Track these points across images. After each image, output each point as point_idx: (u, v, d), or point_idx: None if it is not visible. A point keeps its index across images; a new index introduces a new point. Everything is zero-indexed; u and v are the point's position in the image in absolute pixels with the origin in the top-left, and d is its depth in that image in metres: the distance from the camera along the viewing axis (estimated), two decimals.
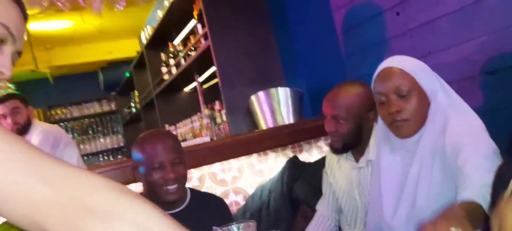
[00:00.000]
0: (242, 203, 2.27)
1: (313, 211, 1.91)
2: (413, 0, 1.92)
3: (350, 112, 1.61)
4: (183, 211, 1.55)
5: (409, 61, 1.36)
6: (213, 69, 3.04)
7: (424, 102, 1.30)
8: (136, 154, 1.52)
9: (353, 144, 1.66)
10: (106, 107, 6.81)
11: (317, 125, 2.34)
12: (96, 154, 6.56)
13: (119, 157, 6.65)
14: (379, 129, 1.43)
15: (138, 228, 0.50)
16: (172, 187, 1.47)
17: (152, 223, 0.52)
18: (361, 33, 2.23)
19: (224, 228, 1.01)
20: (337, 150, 1.69)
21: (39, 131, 2.68)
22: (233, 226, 1.02)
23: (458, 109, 1.31)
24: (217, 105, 3.09)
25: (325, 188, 1.87)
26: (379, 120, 1.40)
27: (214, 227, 1.03)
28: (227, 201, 1.89)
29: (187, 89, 4.18)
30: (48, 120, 6.20)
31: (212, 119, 3.09)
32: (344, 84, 1.72)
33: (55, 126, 3.34)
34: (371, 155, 1.67)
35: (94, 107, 6.74)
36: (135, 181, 1.60)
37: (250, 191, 2.28)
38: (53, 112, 6.47)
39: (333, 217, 1.84)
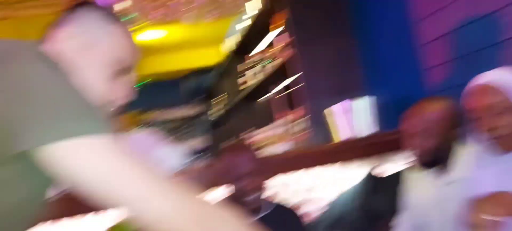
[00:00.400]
0: (316, 214, 2.28)
1: (391, 226, 1.88)
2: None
3: (437, 128, 1.59)
4: (260, 221, 1.62)
5: (504, 76, 1.32)
6: (290, 79, 3.08)
7: None
8: (221, 165, 1.63)
9: (436, 161, 1.62)
10: (192, 111, 7.21)
11: (395, 138, 2.28)
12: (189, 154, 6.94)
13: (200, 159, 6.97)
14: (475, 145, 1.39)
15: None
16: (250, 198, 1.55)
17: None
18: (444, 45, 2.14)
19: None
20: (425, 164, 1.65)
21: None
22: None
23: None
24: (294, 115, 3.13)
25: (403, 205, 1.83)
26: (475, 136, 1.37)
27: None
28: (301, 212, 1.92)
29: (264, 98, 4.28)
30: (140, 123, 6.70)
31: (290, 128, 3.14)
32: (430, 99, 1.70)
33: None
34: (456, 174, 1.61)
35: (181, 111, 7.17)
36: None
37: (325, 202, 2.29)
38: (145, 116, 6.97)
39: None
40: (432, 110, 1.61)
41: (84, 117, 0.58)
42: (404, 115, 1.67)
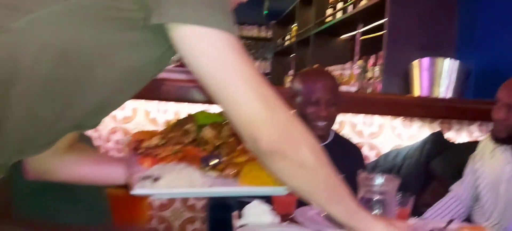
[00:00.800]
0: (373, 159, 2.30)
1: (446, 190, 1.87)
2: None
3: None
4: (323, 148, 1.67)
5: None
6: (378, 22, 2.97)
7: None
8: (297, 85, 1.65)
9: None
10: (263, 34, 7.20)
11: (477, 108, 2.19)
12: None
13: None
14: None
15: (315, 155, 0.72)
16: (321, 124, 1.58)
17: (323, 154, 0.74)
18: None
19: (368, 174, 1.09)
20: (498, 139, 1.60)
21: None
22: (377, 174, 1.09)
23: None
24: (372, 60, 3.06)
25: (467, 173, 1.80)
26: None
27: (359, 171, 1.12)
28: (363, 152, 1.95)
29: (345, 36, 4.17)
30: None
31: (364, 71, 3.09)
32: None
33: None
34: None
35: (253, 31, 7.18)
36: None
37: (385, 150, 2.30)
38: None
39: (467, 203, 1.78)
40: None
41: (219, 11, 0.64)
42: (503, 84, 1.59)
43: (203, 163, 0.82)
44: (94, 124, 0.77)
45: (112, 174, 0.84)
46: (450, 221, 1.42)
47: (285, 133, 0.68)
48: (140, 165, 0.81)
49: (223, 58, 0.64)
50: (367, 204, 1.06)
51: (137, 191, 0.71)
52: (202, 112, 0.92)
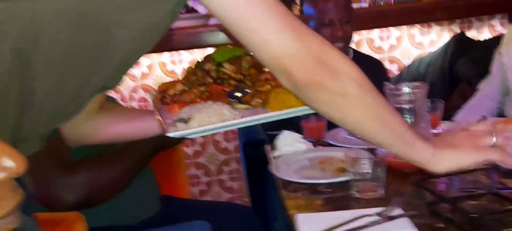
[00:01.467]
0: (396, 72, 2.28)
1: (474, 90, 1.85)
2: None
3: None
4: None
5: None
6: None
7: None
8: (308, 9, 1.62)
9: None
10: None
11: (495, 1, 2.11)
12: None
13: None
14: None
15: (357, 82, 0.66)
16: (339, 45, 1.56)
17: (369, 88, 0.68)
18: None
19: (396, 86, 1.08)
20: None
21: None
22: (404, 84, 1.08)
23: None
24: None
25: (495, 68, 1.77)
26: None
27: (385, 83, 1.11)
28: (385, 66, 1.93)
29: None
30: None
31: None
32: None
33: None
34: None
35: None
36: None
37: (407, 62, 2.26)
38: None
39: (497, 98, 1.76)
40: None
41: None
42: None
43: (229, 97, 0.82)
44: (117, 83, 0.78)
45: (146, 127, 0.85)
46: (483, 118, 1.42)
47: (320, 62, 0.66)
48: (170, 113, 0.82)
49: None
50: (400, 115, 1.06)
51: (171, 133, 0.72)
52: (219, 49, 0.92)
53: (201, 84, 0.87)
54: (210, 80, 0.87)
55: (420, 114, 1.08)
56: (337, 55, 0.68)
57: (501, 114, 1.76)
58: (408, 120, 1.07)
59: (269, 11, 0.63)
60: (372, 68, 1.72)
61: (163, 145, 1.22)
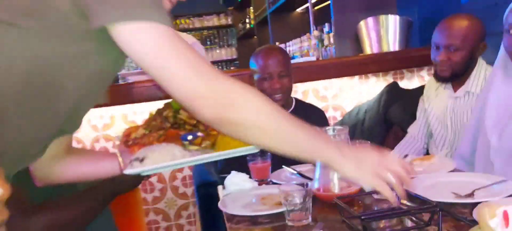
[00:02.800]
0: (339, 118, 2.51)
1: (404, 133, 2.09)
2: None
3: (466, 41, 1.72)
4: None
5: None
6: None
7: None
8: (253, 64, 1.83)
9: (461, 73, 1.77)
10: (223, 21, 7.30)
11: (422, 54, 2.40)
12: (211, 63, 7.18)
13: (231, 68, 7.21)
14: (499, 56, 1.49)
15: (263, 113, 0.78)
16: (277, 95, 1.76)
17: (269, 107, 0.80)
18: None
19: (322, 129, 1.26)
20: (443, 78, 1.80)
21: None
22: (329, 127, 1.27)
23: None
24: (326, 28, 3.24)
25: (419, 113, 2.02)
26: (501, 48, 1.46)
27: (315, 127, 1.29)
28: (326, 115, 2.14)
29: (299, 9, 4.35)
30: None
31: (320, 40, 3.28)
32: (458, 15, 1.81)
33: (185, 35, 3.40)
34: (470, 87, 1.77)
35: (213, 20, 7.26)
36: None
37: (348, 109, 2.50)
38: (177, 22, 7.14)
39: (422, 139, 2.01)
40: (462, 24, 1.73)
41: (148, 5, 0.71)
42: (436, 29, 1.79)
43: (182, 140, 0.95)
44: (75, 126, 0.89)
45: (109, 167, 0.97)
46: (405, 156, 1.64)
47: (226, 100, 0.74)
48: (131, 154, 0.94)
49: (158, 46, 0.71)
50: None
51: (127, 171, 0.84)
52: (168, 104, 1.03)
53: (160, 128, 0.99)
54: (168, 125, 0.99)
55: None
56: (245, 94, 0.77)
57: (427, 153, 2.00)
58: None
59: (178, 58, 0.72)
60: (313, 115, 1.94)
61: (120, 189, 1.33)
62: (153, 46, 0.71)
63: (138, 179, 1.39)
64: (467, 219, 0.93)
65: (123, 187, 1.34)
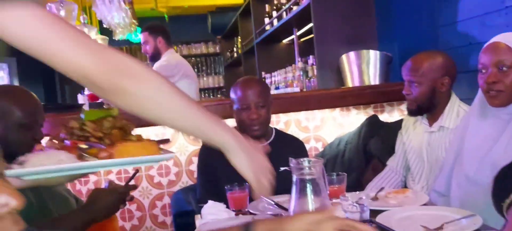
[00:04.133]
0: (321, 149, 2.54)
1: (383, 165, 2.13)
2: None
3: (423, 77, 1.80)
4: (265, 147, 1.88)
5: None
6: (311, 24, 3.23)
7: None
8: (232, 94, 1.87)
9: (426, 107, 1.84)
10: (211, 49, 7.39)
11: (401, 89, 2.47)
12: (199, 90, 7.23)
13: (218, 95, 7.26)
14: (477, 95, 1.54)
15: (155, 85, 0.78)
16: (255, 126, 1.79)
17: (166, 87, 0.80)
18: (457, 6, 2.27)
19: (297, 160, 1.29)
20: (411, 111, 1.89)
21: (164, 59, 3.12)
22: (304, 159, 1.29)
23: None
24: (310, 60, 3.32)
25: (397, 146, 2.06)
26: (479, 89, 1.51)
27: (289, 158, 1.32)
28: (307, 146, 2.17)
29: (285, 41, 4.44)
30: None
31: (304, 72, 3.34)
32: (423, 52, 1.89)
33: (182, 59, 3.32)
34: (444, 122, 1.82)
35: (201, 48, 7.36)
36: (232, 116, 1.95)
37: (329, 140, 2.54)
38: None
39: (400, 172, 2.04)
40: (422, 61, 1.81)
41: None
42: (403, 66, 1.87)
43: (78, 149, 0.92)
44: None
45: None
46: (381, 189, 1.66)
47: (119, 71, 0.74)
48: None
49: (38, 26, 0.70)
50: (301, 184, 1.26)
51: (7, 173, 0.80)
52: (90, 110, 1.03)
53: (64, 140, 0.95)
54: (75, 137, 0.96)
55: (319, 185, 1.29)
56: (137, 65, 0.77)
57: (405, 186, 2.03)
58: (310, 189, 1.27)
59: (61, 33, 0.72)
60: (292, 146, 1.96)
61: (96, 216, 1.33)
62: (33, 26, 0.70)
63: (115, 206, 1.39)
64: None
65: (100, 214, 1.34)
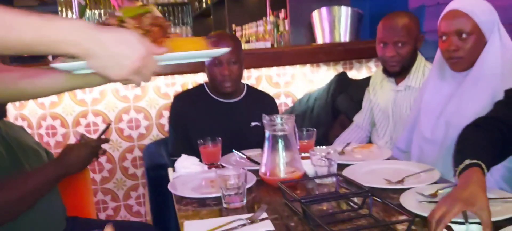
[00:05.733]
0: (290, 105, 2.59)
1: (350, 121, 2.20)
2: None
3: (410, 35, 1.83)
4: (239, 102, 1.90)
5: (476, 3, 1.46)
6: None
7: (480, 43, 1.45)
8: None
9: (407, 67, 1.88)
10: None
11: (371, 47, 2.51)
12: None
13: None
14: (436, 57, 1.60)
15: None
16: (227, 82, 1.79)
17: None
18: None
19: (270, 117, 1.32)
20: (393, 73, 1.90)
21: None
22: (277, 115, 1.33)
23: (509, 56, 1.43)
24: (282, 14, 3.29)
25: (364, 103, 2.13)
26: (438, 49, 1.56)
27: (263, 115, 1.35)
28: (278, 102, 2.21)
29: None
30: None
31: (276, 26, 3.33)
32: (397, 12, 1.91)
33: None
34: (410, 81, 1.89)
35: None
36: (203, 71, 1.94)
37: (299, 96, 2.59)
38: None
39: (366, 128, 2.13)
40: (405, 20, 1.83)
41: None
42: (380, 27, 1.89)
43: None
44: None
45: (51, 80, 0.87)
46: (348, 144, 1.74)
47: None
48: None
49: None
50: (274, 140, 1.31)
51: (56, 65, 0.77)
52: (127, 7, 0.94)
53: None
54: None
55: (291, 140, 1.34)
56: None
57: (370, 141, 2.12)
58: (281, 144, 1.32)
59: None
60: (264, 102, 2.00)
61: (68, 170, 1.33)
62: None
63: (88, 160, 1.40)
64: (393, 203, 1.02)
65: (72, 168, 1.34)
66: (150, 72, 0.78)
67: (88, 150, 1.38)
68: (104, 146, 1.48)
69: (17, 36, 0.66)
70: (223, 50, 0.92)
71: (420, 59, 1.91)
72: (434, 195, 1.09)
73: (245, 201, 1.16)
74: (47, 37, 0.67)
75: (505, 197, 1.05)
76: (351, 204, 1.10)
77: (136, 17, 0.90)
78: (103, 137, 1.47)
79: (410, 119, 1.74)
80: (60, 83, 0.88)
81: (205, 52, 0.89)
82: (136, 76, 0.76)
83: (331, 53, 2.52)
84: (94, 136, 1.51)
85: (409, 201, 1.04)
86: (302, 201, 1.03)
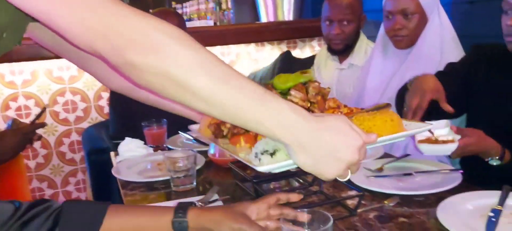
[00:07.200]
0: None
1: None
2: None
3: (355, 14, 1.86)
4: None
5: None
6: None
7: (422, 22, 1.52)
8: None
9: (351, 45, 1.91)
10: None
11: (314, 26, 2.55)
12: None
13: None
14: (379, 35, 1.64)
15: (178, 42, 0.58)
16: None
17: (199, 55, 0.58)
18: None
19: None
20: (338, 51, 1.93)
21: None
22: None
23: (448, 35, 1.52)
24: None
25: None
26: (381, 27, 1.61)
27: None
28: None
29: None
30: None
31: (218, 4, 3.27)
32: None
33: None
34: (353, 59, 1.94)
35: None
36: None
37: (245, 75, 2.57)
38: None
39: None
40: (349, 1, 1.85)
41: None
42: (324, 3, 1.90)
43: None
44: None
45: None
46: None
47: (126, 39, 0.57)
48: (236, 144, 0.74)
49: None
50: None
51: (261, 168, 0.64)
52: (280, 77, 0.83)
53: None
54: None
55: None
56: (154, 30, 0.59)
57: None
58: None
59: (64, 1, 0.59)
60: None
61: (1, 158, 1.23)
62: None
63: (21, 146, 1.29)
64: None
65: (5, 156, 1.24)
66: (359, 164, 0.65)
67: (21, 136, 1.28)
68: (39, 131, 1.37)
69: (235, 115, 0.60)
70: (428, 127, 0.76)
71: (363, 38, 1.96)
72: (380, 169, 1.13)
73: (194, 183, 1.13)
74: (264, 125, 0.60)
75: (445, 169, 1.11)
76: (302, 181, 1.11)
77: (299, 87, 0.79)
78: (37, 121, 1.36)
79: (353, 97, 1.78)
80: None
81: (404, 134, 0.73)
82: (348, 170, 0.64)
83: (276, 32, 2.52)
84: (27, 121, 1.40)
85: (357, 176, 1.07)
86: (254, 180, 1.02)
